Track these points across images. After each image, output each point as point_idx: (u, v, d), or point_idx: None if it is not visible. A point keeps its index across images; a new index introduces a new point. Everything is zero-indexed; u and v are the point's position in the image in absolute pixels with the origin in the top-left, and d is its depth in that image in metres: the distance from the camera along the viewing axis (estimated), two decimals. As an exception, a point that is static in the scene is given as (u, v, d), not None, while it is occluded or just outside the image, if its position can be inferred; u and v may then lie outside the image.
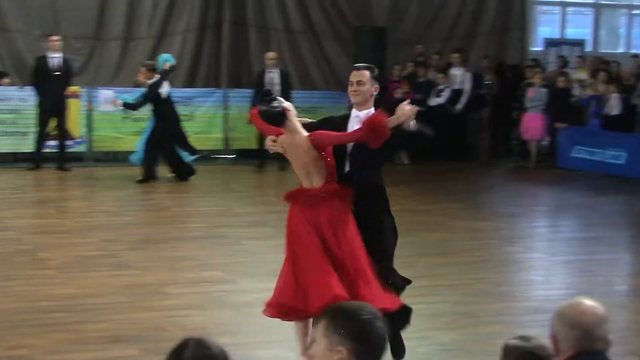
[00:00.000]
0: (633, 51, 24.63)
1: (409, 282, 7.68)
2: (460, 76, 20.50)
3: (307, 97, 20.19)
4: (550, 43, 24.86)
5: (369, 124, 6.97)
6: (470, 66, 21.47)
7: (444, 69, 20.68)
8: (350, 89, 7.44)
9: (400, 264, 10.94)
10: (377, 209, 7.43)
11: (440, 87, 20.20)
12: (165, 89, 16.36)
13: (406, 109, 7.06)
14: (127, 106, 16.55)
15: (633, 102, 19.49)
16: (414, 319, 8.79)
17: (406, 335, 8.22)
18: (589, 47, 25.48)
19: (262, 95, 7.30)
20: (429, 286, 10.06)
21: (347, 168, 7.33)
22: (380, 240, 7.41)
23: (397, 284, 7.48)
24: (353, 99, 7.46)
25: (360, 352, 3.48)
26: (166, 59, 16.92)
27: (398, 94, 19.71)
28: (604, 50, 26.04)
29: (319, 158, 7.19)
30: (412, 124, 7.16)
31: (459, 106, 20.31)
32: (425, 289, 9.96)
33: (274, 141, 7.37)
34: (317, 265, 7.08)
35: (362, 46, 19.83)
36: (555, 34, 25.91)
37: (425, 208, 14.96)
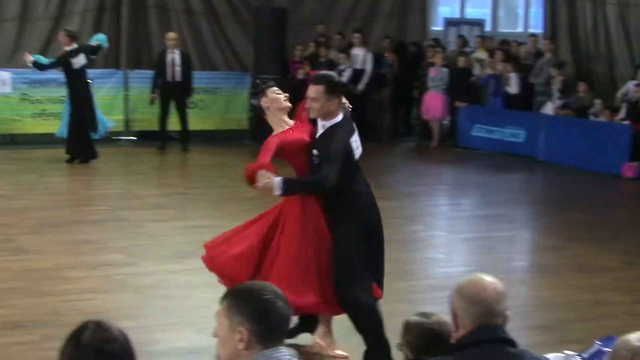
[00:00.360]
0: (531, 30, 24.97)
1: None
2: (361, 56, 20.57)
3: (208, 78, 20.07)
4: (450, 23, 25.07)
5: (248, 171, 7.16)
6: (371, 46, 21.55)
7: (345, 49, 20.72)
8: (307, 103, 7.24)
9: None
10: (337, 218, 7.29)
11: (342, 67, 20.22)
12: (79, 60, 16.10)
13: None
14: (36, 65, 16.24)
15: (531, 81, 19.78)
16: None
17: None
18: (488, 27, 25.76)
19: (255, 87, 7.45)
20: (331, 266, 10.07)
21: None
22: None
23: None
24: (309, 114, 7.28)
25: (261, 331, 3.47)
26: (98, 38, 16.72)
27: (300, 74, 19.71)
28: (502, 29, 26.34)
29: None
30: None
31: (360, 86, 20.38)
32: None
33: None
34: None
35: (263, 27, 19.75)
36: (455, 14, 26.14)
37: (328, 188, 14.97)
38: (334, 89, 7.08)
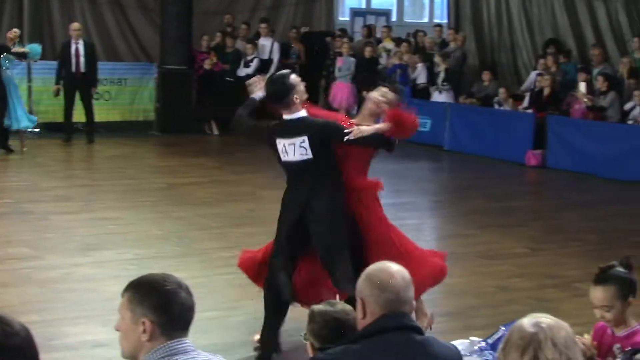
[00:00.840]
0: (436, 21, 25.19)
1: None
2: (268, 46, 20.52)
3: (114, 69, 19.83)
4: (356, 13, 25.18)
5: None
6: (277, 36, 21.54)
7: (252, 39, 20.65)
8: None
9: (211, 235, 10.97)
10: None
11: (249, 57, 20.16)
12: None
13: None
14: None
15: (437, 70, 19.94)
16: (224, 289, 8.79)
17: (217, 306, 8.21)
18: (394, 17, 25.94)
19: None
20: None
21: None
22: None
23: None
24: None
25: (164, 323, 3.43)
26: (32, 48, 16.61)
27: (206, 64, 19.59)
28: (408, 20, 26.57)
29: None
30: None
31: (268, 76, 20.30)
32: (236, 259, 9.94)
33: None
34: None
35: (169, 16, 19.58)
36: (361, 4, 26.26)
37: (235, 178, 14.93)
38: (288, 83, 7.44)
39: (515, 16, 21.12)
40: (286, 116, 7.25)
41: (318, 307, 4.54)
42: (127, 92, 19.89)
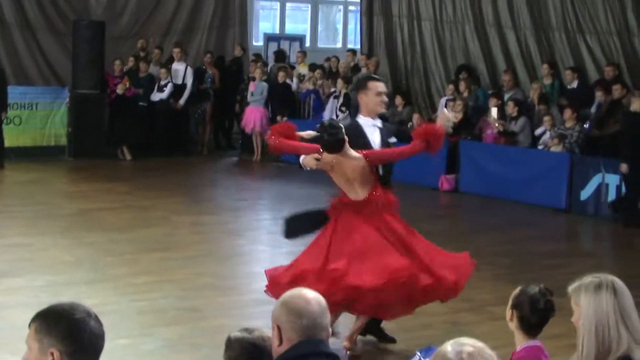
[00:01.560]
0: (350, 46, 25.33)
1: None
2: (181, 71, 20.41)
3: (24, 93, 19.49)
4: (270, 38, 25.21)
5: (428, 136, 7.64)
6: (191, 61, 21.44)
7: (166, 64, 20.52)
8: (381, 99, 8.03)
9: (124, 261, 10.83)
10: None
11: (163, 82, 20.03)
12: None
13: (448, 117, 7.82)
14: None
15: (351, 95, 19.99)
16: (136, 316, 8.68)
17: (129, 332, 8.10)
18: (307, 43, 26.02)
19: (329, 127, 7.68)
20: (152, 282, 9.96)
21: (381, 171, 7.99)
22: None
23: None
24: (381, 109, 8.05)
25: (72, 352, 3.34)
26: None
27: (119, 89, 19.40)
28: (322, 45, 26.67)
29: (370, 174, 7.73)
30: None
31: (181, 101, 20.23)
32: (149, 285, 9.85)
33: (317, 159, 7.72)
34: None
35: (81, 40, 19.38)
36: (275, 30, 26.31)
37: (148, 204, 14.77)
38: None
39: (428, 42, 21.32)
40: None
41: (235, 334, 4.48)
42: (38, 116, 19.55)
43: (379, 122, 8.06)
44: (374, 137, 7.99)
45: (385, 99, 8.14)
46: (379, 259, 7.53)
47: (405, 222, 8.02)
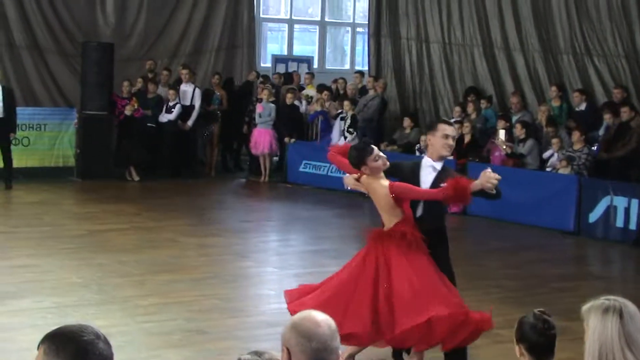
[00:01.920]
0: (357, 68, 25.36)
1: None
2: (190, 92, 20.45)
3: (33, 114, 19.55)
4: (278, 60, 25.25)
5: (455, 188, 7.40)
6: (199, 82, 21.50)
7: (174, 85, 20.57)
8: (447, 142, 7.90)
9: (132, 283, 10.82)
10: (442, 251, 8.05)
11: (171, 103, 20.07)
12: None
13: (490, 176, 7.47)
14: None
15: (359, 116, 20.02)
16: (143, 337, 8.66)
17: (137, 355, 8.08)
18: (315, 64, 26.07)
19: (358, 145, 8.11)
20: (159, 304, 9.94)
21: (419, 212, 7.83)
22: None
23: None
24: (446, 152, 7.95)
25: (82, 374, 3.32)
26: None
27: (127, 110, 19.43)
28: (330, 67, 26.72)
29: (395, 206, 7.63)
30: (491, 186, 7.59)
31: (190, 122, 20.26)
32: (156, 307, 9.83)
33: (357, 180, 7.79)
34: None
35: (89, 62, 19.45)
36: (283, 51, 26.36)
37: (155, 225, 14.77)
38: None
39: (437, 64, 21.35)
40: None
41: (245, 357, 4.46)
42: (46, 137, 19.61)
43: (439, 165, 7.96)
44: (427, 178, 7.91)
45: (452, 142, 7.99)
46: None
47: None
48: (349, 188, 8.17)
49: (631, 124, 16.35)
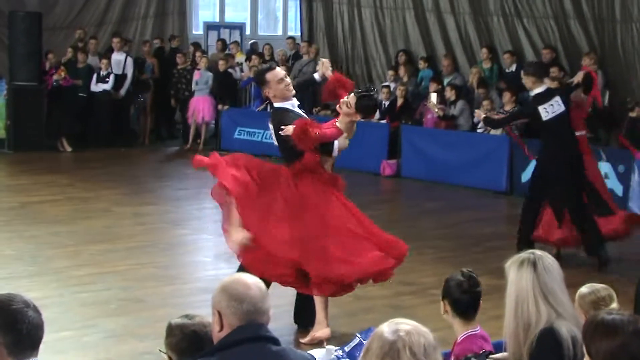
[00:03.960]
0: (290, 33, 25.30)
1: None
2: (122, 61, 20.25)
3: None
4: (210, 27, 25.10)
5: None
6: (132, 50, 21.29)
7: (106, 54, 20.36)
8: (284, 84, 8.20)
9: (65, 254, 10.75)
10: None
11: (103, 72, 19.87)
12: None
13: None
14: None
15: (294, 82, 19.95)
16: (78, 308, 8.63)
17: (72, 325, 8.06)
18: (248, 31, 25.96)
19: (367, 90, 8.59)
20: (94, 274, 9.91)
21: None
22: None
23: None
24: (290, 93, 8.26)
25: (11, 343, 3.33)
26: None
27: (54, 78, 19.21)
28: (262, 33, 26.62)
29: None
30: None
31: (122, 91, 20.09)
32: (92, 277, 9.81)
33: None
34: None
35: (17, 32, 19.17)
36: (215, 18, 26.20)
37: (89, 195, 14.67)
38: None
39: (368, 28, 21.36)
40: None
41: (176, 321, 4.49)
42: (-24, 109, 19.34)
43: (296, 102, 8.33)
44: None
45: (288, 81, 8.30)
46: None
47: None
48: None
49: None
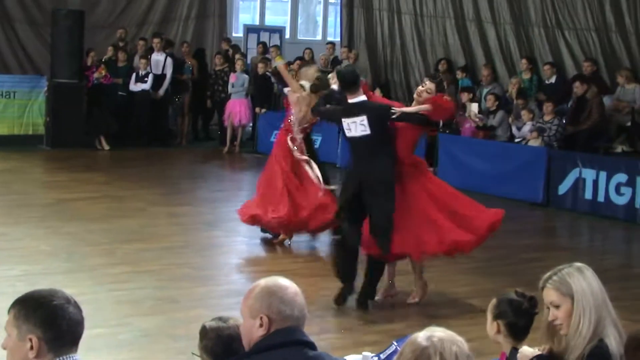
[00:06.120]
0: (329, 39, 25.31)
1: None
2: (161, 61, 20.33)
3: (2, 82, 19.41)
4: (250, 30, 25.16)
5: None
6: (172, 51, 21.39)
7: (146, 55, 20.45)
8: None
9: (101, 252, 10.80)
10: None
11: (142, 72, 19.97)
12: None
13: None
14: None
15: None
16: (112, 306, 8.67)
17: (107, 322, 8.08)
18: (287, 35, 26.00)
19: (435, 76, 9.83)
20: (129, 272, 9.94)
21: None
22: None
23: None
24: None
25: (51, 338, 3.34)
26: None
27: (95, 75, 19.33)
28: (302, 37, 26.64)
29: None
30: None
31: (161, 91, 20.17)
32: (126, 276, 9.83)
33: None
34: None
35: (59, 30, 19.30)
36: (255, 21, 26.26)
37: (125, 194, 14.72)
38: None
39: (408, 36, 21.35)
40: (351, 100, 8.97)
41: (210, 323, 4.47)
42: (16, 105, 19.47)
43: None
44: None
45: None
46: None
47: None
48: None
49: (586, 96, 16.47)
